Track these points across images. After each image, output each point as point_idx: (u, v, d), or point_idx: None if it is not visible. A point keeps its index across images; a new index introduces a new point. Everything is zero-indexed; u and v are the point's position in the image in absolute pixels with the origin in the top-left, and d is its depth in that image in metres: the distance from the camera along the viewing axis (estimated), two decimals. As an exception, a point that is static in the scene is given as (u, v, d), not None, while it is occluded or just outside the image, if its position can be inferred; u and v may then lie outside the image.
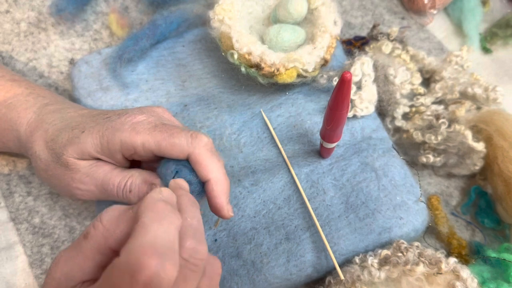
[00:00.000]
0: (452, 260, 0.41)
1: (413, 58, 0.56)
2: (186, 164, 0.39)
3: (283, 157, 0.49)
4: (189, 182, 0.38)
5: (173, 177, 0.38)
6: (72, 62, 0.57)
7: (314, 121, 0.51)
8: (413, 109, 0.53)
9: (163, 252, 0.26)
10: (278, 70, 0.47)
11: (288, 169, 0.48)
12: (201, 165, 0.38)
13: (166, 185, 0.39)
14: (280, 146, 0.49)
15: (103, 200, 0.46)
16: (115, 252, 0.30)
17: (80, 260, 0.29)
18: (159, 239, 0.26)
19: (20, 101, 0.45)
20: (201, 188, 0.39)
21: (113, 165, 0.41)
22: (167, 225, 0.27)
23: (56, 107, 0.45)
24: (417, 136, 0.51)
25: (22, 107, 0.44)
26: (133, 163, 0.43)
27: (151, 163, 0.42)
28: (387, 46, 0.55)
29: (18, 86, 0.46)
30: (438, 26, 0.65)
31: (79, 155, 0.39)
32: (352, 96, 0.50)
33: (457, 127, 0.49)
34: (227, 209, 0.39)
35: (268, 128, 0.51)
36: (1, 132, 0.45)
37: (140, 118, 0.39)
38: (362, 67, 0.50)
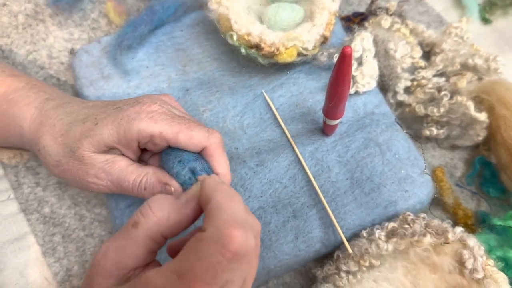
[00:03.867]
0: (459, 229, 0.41)
1: (412, 31, 0.56)
2: (201, 157, 0.41)
3: (286, 136, 0.49)
4: (207, 173, 0.40)
5: (190, 169, 0.39)
6: (72, 52, 0.57)
7: (316, 100, 0.51)
8: (415, 82, 0.53)
9: (243, 225, 0.28)
10: (278, 49, 0.47)
11: (293, 148, 0.48)
12: (214, 159, 0.41)
13: (173, 174, 0.40)
14: (283, 126, 0.50)
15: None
16: (165, 238, 0.32)
17: (132, 248, 0.31)
18: (237, 214, 0.29)
19: (21, 96, 0.45)
20: None
21: (129, 160, 0.42)
22: (237, 201, 0.31)
23: (58, 102, 0.45)
24: (420, 110, 0.51)
25: (24, 103, 0.44)
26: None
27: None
28: (386, 21, 0.54)
29: (19, 81, 0.46)
30: (436, -2, 0.64)
31: (95, 148, 0.40)
32: (353, 72, 0.50)
33: (459, 98, 0.49)
34: None
35: (270, 109, 0.51)
36: (3, 128, 0.45)
37: (154, 108, 0.40)
38: (362, 43, 0.49)
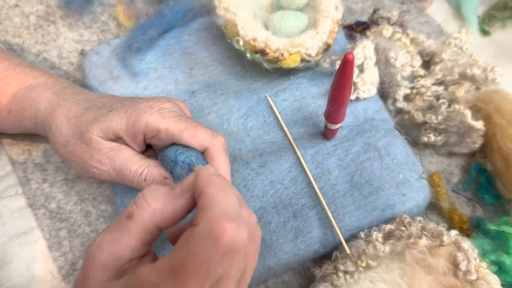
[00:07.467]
0: (454, 232, 0.42)
1: (413, 41, 0.58)
2: (201, 155, 0.42)
3: (289, 139, 0.51)
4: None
5: (188, 163, 0.40)
6: (83, 52, 0.58)
7: (318, 105, 0.53)
8: (414, 90, 0.54)
9: (235, 218, 0.28)
10: (282, 55, 0.49)
11: (294, 151, 0.50)
12: (215, 161, 0.42)
13: (170, 166, 0.41)
14: (285, 129, 0.51)
15: (119, 184, 0.48)
16: (160, 229, 0.32)
17: (127, 240, 0.31)
18: (229, 207, 0.29)
19: (40, 83, 0.46)
20: None
21: (133, 151, 0.43)
22: (230, 194, 0.30)
23: (76, 90, 0.46)
24: (418, 117, 0.53)
25: (42, 87, 0.46)
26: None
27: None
28: (387, 30, 0.56)
29: (37, 71, 0.48)
30: (437, 10, 0.66)
31: (103, 133, 0.41)
32: (354, 79, 0.51)
33: (457, 106, 0.51)
34: None
35: (273, 112, 0.52)
36: (18, 111, 0.46)
37: (166, 105, 0.42)
38: (363, 51, 0.51)
